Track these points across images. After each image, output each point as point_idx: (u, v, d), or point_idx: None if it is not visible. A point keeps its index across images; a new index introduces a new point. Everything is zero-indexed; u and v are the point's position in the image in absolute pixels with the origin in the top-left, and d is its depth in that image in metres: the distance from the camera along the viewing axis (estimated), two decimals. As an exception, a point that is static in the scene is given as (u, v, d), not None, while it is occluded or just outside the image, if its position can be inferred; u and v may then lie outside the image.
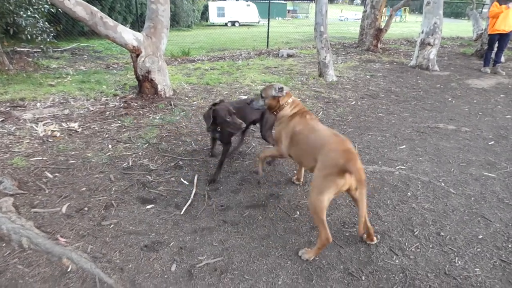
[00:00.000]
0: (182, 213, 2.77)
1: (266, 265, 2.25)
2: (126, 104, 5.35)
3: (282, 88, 2.72)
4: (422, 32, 8.75)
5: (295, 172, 3.37)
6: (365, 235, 2.49)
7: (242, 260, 2.30)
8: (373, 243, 2.46)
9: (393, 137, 4.43)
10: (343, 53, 11.27)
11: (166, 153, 3.80)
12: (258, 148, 4.00)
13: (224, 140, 3.28)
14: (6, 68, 7.08)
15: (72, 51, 10.65)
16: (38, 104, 5.21)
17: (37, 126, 4.33)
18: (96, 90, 6.11)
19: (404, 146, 4.14)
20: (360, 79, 7.61)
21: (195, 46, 13.09)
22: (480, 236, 2.56)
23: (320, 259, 2.31)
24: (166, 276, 2.15)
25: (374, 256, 2.34)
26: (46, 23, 7.89)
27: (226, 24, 29.55)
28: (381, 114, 5.31)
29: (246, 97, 5.83)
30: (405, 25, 29.65)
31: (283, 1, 44.24)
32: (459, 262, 2.29)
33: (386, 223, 2.69)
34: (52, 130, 4.24)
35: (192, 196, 2.98)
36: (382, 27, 11.61)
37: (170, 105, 5.37)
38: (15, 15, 7.10)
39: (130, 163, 3.56)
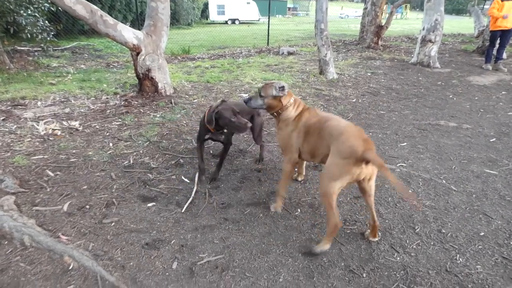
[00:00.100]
0: (183, 211, 2.77)
1: (267, 263, 2.26)
2: (126, 103, 5.35)
3: (283, 87, 2.56)
4: (423, 29, 8.72)
5: (295, 170, 3.37)
6: (367, 231, 2.49)
7: (243, 257, 2.30)
8: (375, 240, 2.46)
9: (394, 134, 4.43)
10: (344, 51, 11.24)
11: (167, 151, 3.80)
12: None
13: (225, 140, 3.17)
14: (7, 67, 7.08)
15: (73, 50, 10.64)
16: (39, 103, 5.21)
17: (38, 125, 4.33)
18: (97, 88, 6.11)
19: (405, 144, 4.14)
20: (360, 76, 7.59)
21: (195, 44, 13.07)
22: (482, 233, 2.55)
23: (321, 256, 2.31)
24: (167, 273, 2.15)
25: (375, 254, 2.34)
26: (46, 21, 7.89)
27: (226, 22, 29.50)
28: (382, 112, 5.30)
29: (246, 95, 5.82)
30: (406, 22, 29.55)
31: (283, -1, 44.13)
32: (460, 259, 2.29)
33: (387, 221, 2.69)
34: (53, 129, 4.25)
35: (193, 194, 2.98)
36: (382, 24, 11.57)
37: (171, 103, 5.37)
38: (15, 14, 7.09)
39: (131, 161, 3.56)
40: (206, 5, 29.44)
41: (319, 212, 2.79)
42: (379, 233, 2.48)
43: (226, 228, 2.58)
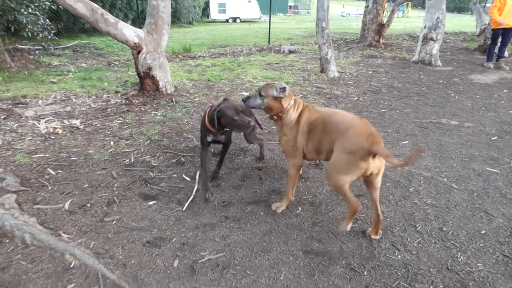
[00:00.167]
0: (184, 209, 2.78)
1: (268, 261, 2.26)
2: (127, 101, 5.35)
3: (284, 88, 2.47)
4: (425, 27, 8.69)
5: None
6: (369, 229, 2.49)
7: (244, 255, 2.30)
8: (377, 237, 2.45)
9: (395, 132, 4.42)
10: (345, 49, 11.21)
11: (168, 150, 3.80)
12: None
13: (225, 139, 3.08)
14: (8, 65, 7.09)
15: (74, 49, 10.65)
16: (40, 101, 5.22)
17: (39, 123, 4.34)
18: (98, 87, 6.12)
19: (406, 142, 4.13)
20: (362, 74, 7.58)
21: (196, 42, 13.06)
22: (483, 231, 2.55)
23: (322, 254, 2.31)
24: (168, 271, 2.15)
25: (376, 252, 2.34)
26: (47, 20, 7.89)
27: (227, 21, 29.48)
28: (383, 110, 5.29)
29: (247, 93, 5.81)
30: (407, 20, 29.48)
31: (284, -3, 44.03)
32: (462, 257, 2.29)
33: (388, 219, 2.68)
34: (54, 127, 4.25)
35: (194, 192, 2.98)
36: (384, 22, 11.53)
37: (172, 101, 5.37)
38: (16, 13, 7.09)
39: (132, 160, 3.56)
40: (207, 4, 29.42)
41: (320, 211, 2.79)
42: (381, 232, 2.48)
43: (227, 226, 2.59)
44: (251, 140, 3.40)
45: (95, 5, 4.80)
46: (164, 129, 4.36)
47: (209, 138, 2.94)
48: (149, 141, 4.00)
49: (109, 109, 4.99)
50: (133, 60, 5.61)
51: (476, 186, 3.18)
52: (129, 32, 5.14)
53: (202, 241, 2.43)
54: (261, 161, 3.59)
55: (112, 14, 5.20)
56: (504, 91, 6.52)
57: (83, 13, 4.64)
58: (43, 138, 3.98)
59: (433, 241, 2.44)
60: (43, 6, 7.63)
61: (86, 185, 3.07)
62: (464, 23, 22.92)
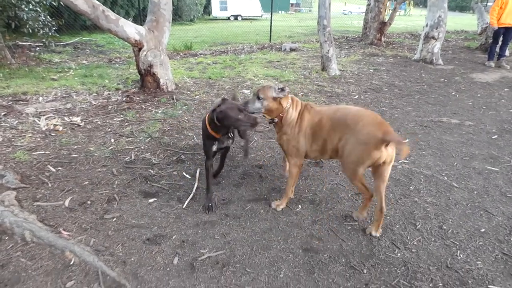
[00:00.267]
0: (184, 206, 2.78)
1: (268, 258, 2.26)
2: (128, 98, 5.35)
3: (283, 88, 2.43)
4: (427, 25, 8.66)
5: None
6: (369, 227, 2.49)
7: (244, 253, 2.30)
8: (377, 235, 2.45)
9: (396, 131, 4.39)
10: (347, 47, 11.19)
11: (168, 147, 3.80)
12: (260, 142, 3.99)
13: (231, 143, 2.89)
14: (8, 62, 7.09)
15: (75, 45, 10.64)
16: (41, 98, 5.22)
17: (39, 120, 4.34)
18: (99, 84, 6.11)
19: (407, 140, 4.12)
20: (363, 73, 7.56)
21: (197, 40, 13.04)
22: (482, 230, 2.55)
23: (322, 252, 2.31)
24: (168, 269, 2.16)
25: (376, 250, 2.34)
26: (48, 16, 7.88)
27: (228, 18, 29.44)
28: (384, 108, 5.28)
29: (248, 91, 5.80)
30: (409, 19, 29.40)
31: (286, -5, 43.91)
32: (461, 256, 2.29)
33: (388, 217, 2.68)
34: (54, 124, 4.25)
35: (194, 190, 2.99)
36: (386, 21, 11.49)
37: (172, 99, 5.37)
38: (16, 9, 7.08)
39: (133, 157, 3.56)
40: (208, 1, 29.36)
41: (320, 209, 2.79)
42: (381, 230, 2.48)
43: (227, 224, 2.59)
44: (244, 136, 3.38)
45: (96, 1, 4.79)
46: (165, 126, 4.36)
47: (214, 147, 2.70)
48: (149, 138, 4.00)
49: (110, 107, 4.99)
50: (134, 58, 5.60)
51: (476, 184, 3.17)
52: (130, 29, 5.14)
53: (202, 238, 2.43)
54: (246, 157, 3.57)
55: (113, 11, 5.18)
56: (505, 90, 6.50)
57: (84, 9, 4.63)
58: (43, 135, 3.98)
59: (433, 239, 2.44)
60: (44, 2, 7.62)
61: (87, 182, 3.07)
62: (466, 22, 22.84)
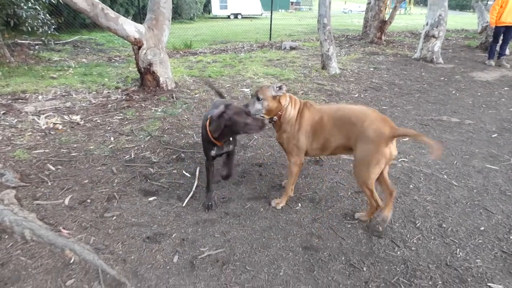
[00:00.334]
0: (184, 205, 2.78)
1: (268, 257, 2.26)
2: (128, 97, 5.34)
3: (281, 86, 2.43)
4: (427, 24, 8.65)
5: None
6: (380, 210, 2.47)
7: (244, 251, 2.30)
8: (388, 216, 2.41)
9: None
10: (347, 46, 11.18)
11: (168, 146, 3.80)
12: (260, 141, 3.99)
13: (232, 147, 2.76)
14: (7, 60, 7.07)
15: (74, 44, 10.62)
16: (40, 97, 5.21)
17: (39, 119, 4.33)
18: (98, 82, 6.11)
19: (407, 139, 4.12)
20: (363, 71, 7.55)
21: (197, 38, 13.02)
22: (482, 228, 2.55)
23: (322, 250, 2.31)
24: (168, 267, 2.16)
25: (375, 248, 2.34)
26: (47, 14, 7.87)
27: (228, 17, 29.40)
28: (384, 107, 5.28)
29: (248, 89, 5.79)
30: (409, 18, 29.36)
31: (286, -7, 43.82)
32: (461, 254, 2.29)
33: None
34: (54, 123, 4.25)
35: (194, 188, 2.99)
36: (386, 19, 11.47)
37: (172, 97, 5.36)
38: (15, 7, 7.06)
39: (132, 156, 3.56)
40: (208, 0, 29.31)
41: (320, 207, 2.79)
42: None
43: (227, 222, 2.59)
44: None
45: (96, -1, 4.78)
46: (165, 125, 4.35)
47: (213, 153, 2.60)
48: (149, 137, 4.00)
49: (110, 105, 4.99)
50: (134, 56, 5.59)
51: (476, 183, 3.18)
52: (130, 27, 5.13)
53: (202, 237, 2.43)
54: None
55: (113, 9, 5.18)
56: (505, 88, 6.50)
57: (83, 7, 4.62)
58: (43, 133, 3.98)
59: (432, 238, 2.45)
60: (43, 0, 7.62)
61: (86, 181, 3.07)
62: (466, 21, 22.82)
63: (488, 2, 16.22)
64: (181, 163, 3.46)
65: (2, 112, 4.48)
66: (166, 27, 5.61)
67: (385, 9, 11.73)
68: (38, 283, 1.99)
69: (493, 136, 4.26)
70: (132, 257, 2.22)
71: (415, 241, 2.41)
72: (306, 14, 33.58)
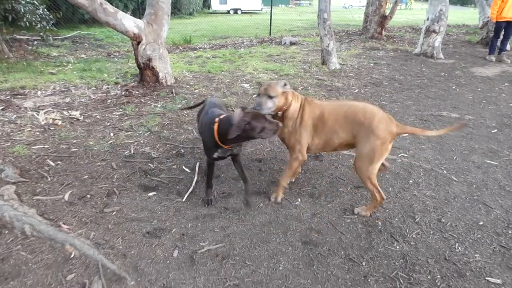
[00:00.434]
0: (183, 200, 2.78)
1: (267, 251, 2.27)
2: (127, 92, 5.33)
3: (285, 83, 2.46)
4: (428, 19, 8.61)
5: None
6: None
7: (244, 246, 2.31)
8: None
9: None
10: (347, 41, 11.13)
11: (168, 141, 3.80)
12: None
13: (238, 151, 2.62)
14: (6, 56, 7.05)
15: (73, 39, 10.59)
16: (39, 93, 5.20)
17: (38, 115, 4.33)
18: (97, 78, 6.09)
19: (406, 134, 4.11)
20: (363, 67, 7.53)
21: (197, 34, 12.97)
22: (481, 223, 2.56)
23: (321, 245, 2.32)
24: (168, 261, 2.17)
25: (375, 242, 2.35)
26: (46, 10, 7.82)
27: (228, 12, 29.24)
28: (384, 102, 5.27)
29: (247, 85, 5.77)
30: (410, 13, 29.22)
31: (286, -12, 43.60)
32: (459, 248, 2.30)
33: (387, 210, 2.69)
34: (53, 119, 4.25)
35: (193, 184, 2.99)
36: (386, 14, 11.41)
37: (172, 93, 5.35)
38: (13, 2, 7.02)
39: (132, 151, 3.56)
40: (207, -5, 29.19)
41: (319, 202, 2.79)
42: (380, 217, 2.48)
43: (226, 217, 2.59)
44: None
45: (94, -6, 4.75)
46: (164, 120, 4.35)
47: (216, 155, 2.49)
48: (149, 132, 4.00)
49: (109, 101, 4.98)
50: (133, 51, 5.57)
51: (475, 178, 3.18)
52: (129, 22, 5.10)
53: (202, 231, 2.44)
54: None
55: (111, 4, 5.14)
56: (505, 84, 6.48)
57: (81, 2, 4.59)
58: (42, 129, 3.98)
59: (431, 232, 2.45)
60: (42, -4, 7.55)
61: (86, 176, 3.07)
62: (467, 16, 22.71)
63: (489, -3, 16.12)
64: (180, 158, 3.46)
65: (1, 108, 4.47)
66: (165, 22, 5.58)
67: (386, 4, 11.66)
68: (39, 278, 2.00)
69: (493, 131, 4.25)
70: (132, 252, 2.23)
71: (414, 235, 2.42)
72: (306, 9, 33.44)
